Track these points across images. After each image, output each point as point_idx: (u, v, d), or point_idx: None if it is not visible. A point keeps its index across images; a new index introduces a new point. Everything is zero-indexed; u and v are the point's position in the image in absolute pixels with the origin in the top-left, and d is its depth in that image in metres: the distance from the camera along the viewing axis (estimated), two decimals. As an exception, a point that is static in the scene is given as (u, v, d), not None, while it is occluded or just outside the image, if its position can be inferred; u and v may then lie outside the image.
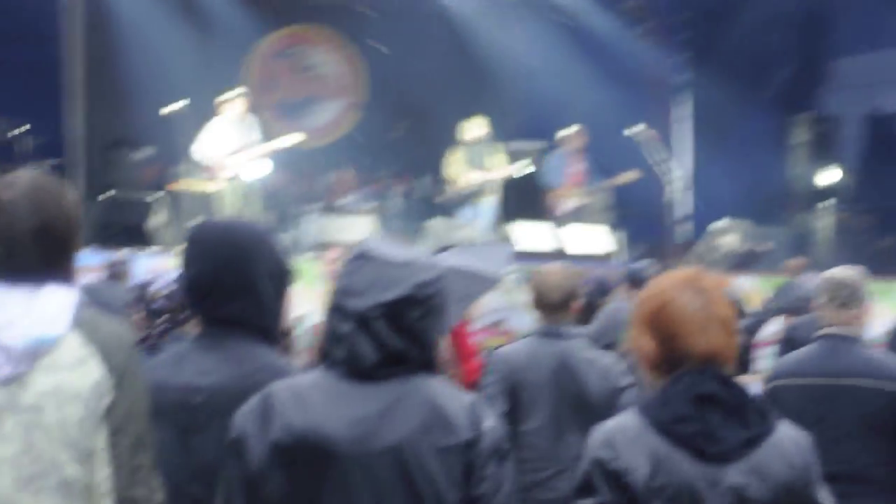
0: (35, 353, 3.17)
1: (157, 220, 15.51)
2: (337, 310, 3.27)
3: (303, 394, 3.23)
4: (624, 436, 3.38)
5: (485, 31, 20.00)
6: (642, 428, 3.38)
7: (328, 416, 3.19)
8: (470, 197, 16.53)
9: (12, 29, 17.77)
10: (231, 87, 16.42)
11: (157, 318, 6.08)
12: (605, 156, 17.35)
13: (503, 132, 18.44)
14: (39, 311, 3.20)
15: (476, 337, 10.13)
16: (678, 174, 16.30)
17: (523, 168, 16.52)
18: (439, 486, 3.16)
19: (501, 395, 6.48)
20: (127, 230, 15.27)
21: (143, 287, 6.52)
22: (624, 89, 18.99)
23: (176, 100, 15.88)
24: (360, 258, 3.30)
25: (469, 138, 16.49)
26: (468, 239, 15.24)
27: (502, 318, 14.31)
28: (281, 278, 3.80)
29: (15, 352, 3.16)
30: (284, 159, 17.12)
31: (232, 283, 3.70)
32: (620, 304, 9.70)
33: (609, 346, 9.34)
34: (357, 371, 3.23)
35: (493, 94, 19.85)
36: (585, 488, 3.37)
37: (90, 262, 12.84)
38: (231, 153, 15.63)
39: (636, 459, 3.34)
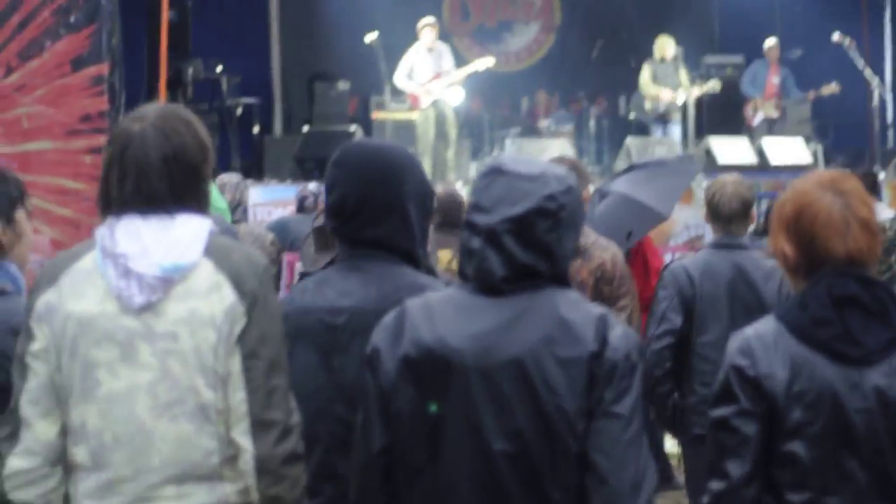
0: (168, 281, 3.22)
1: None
2: (468, 225, 3.27)
3: (434, 308, 3.25)
4: (761, 342, 3.32)
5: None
6: (780, 333, 3.32)
7: (454, 330, 3.20)
8: (664, 114, 16.42)
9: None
10: (424, 16, 16.52)
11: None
12: (805, 66, 17.02)
13: (700, 46, 18.20)
14: (172, 240, 3.24)
15: (672, 254, 10.05)
16: (876, 81, 15.83)
17: (712, 87, 16.31)
18: (561, 397, 3.13)
19: (675, 310, 6.41)
20: (323, 163, 15.48)
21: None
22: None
23: (372, 31, 16.03)
24: (493, 173, 3.29)
25: (658, 57, 16.40)
26: (666, 155, 15.09)
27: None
28: (425, 201, 3.80)
29: (148, 280, 3.21)
30: (482, 84, 17.19)
31: (379, 205, 3.72)
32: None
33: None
34: (487, 286, 3.23)
35: (688, 7, 19.54)
36: (725, 396, 3.32)
37: (287, 196, 13.05)
38: (428, 80, 15.75)
39: (774, 366, 3.28)
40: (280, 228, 8.91)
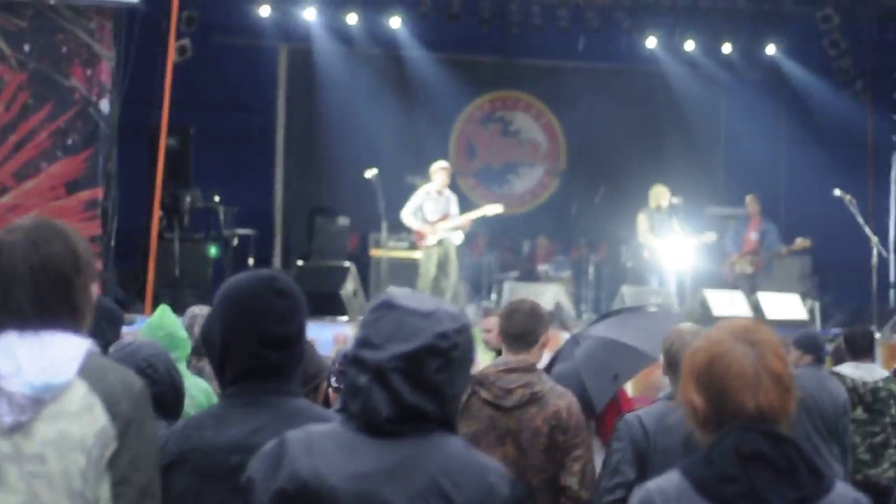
0: (38, 401, 3.12)
1: (347, 288, 15.64)
2: (355, 361, 3.15)
3: (315, 443, 3.13)
4: (663, 496, 3.17)
5: (689, 94, 19.84)
6: (684, 489, 3.17)
7: (333, 467, 3.08)
8: (659, 264, 16.39)
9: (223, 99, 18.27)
10: (433, 156, 16.64)
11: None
12: (801, 219, 17.03)
13: (705, 196, 18.23)
14: (47, 360, 3.15)
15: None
16: (875, 240, 15.77)
17: (708, 238, 16.30)
18: None
19: (629, 462, 6.24)
20: (319, 298, 15.37)
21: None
22: (826, 151, 18.58)
23: (377, 167, 16.12)
24: (383, 307, 3.18)
25: (653, 206, 16.42)
26: (658, 306, 14.99)
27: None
28: None
29: (18, 400, 3.11)
30: (485, 225, 17.21)
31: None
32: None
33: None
34: (371, 425, 3.10)
35: (694, 158, 19.61)
36: (625, 553, 3.17)
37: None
38: (434, 221, 15.80)
39: (677, 522, 3.13)
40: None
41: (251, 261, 16.98)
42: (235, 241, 16.55)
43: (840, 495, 3.20)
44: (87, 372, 3.17)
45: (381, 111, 19.29)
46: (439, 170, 16.18)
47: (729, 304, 15.35)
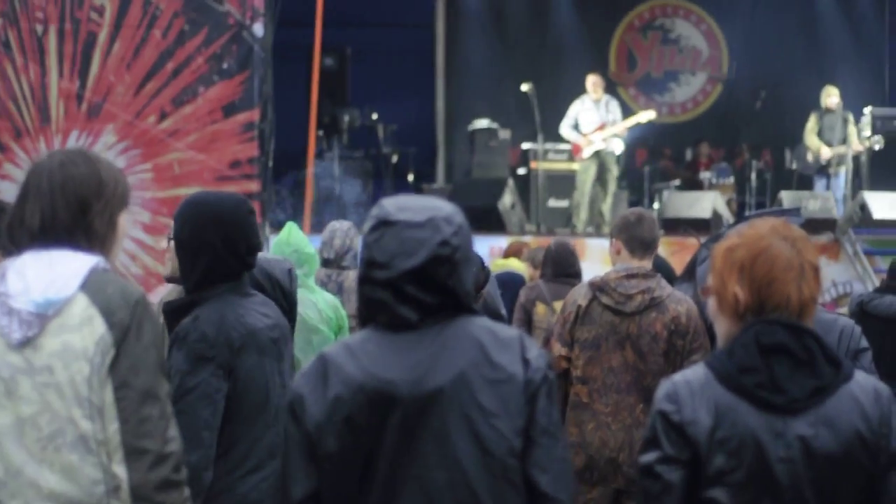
0: (42, 317, 3.34)
1: (505, 202, 15.73)
2: (368, 280, 3.30)
3: (355, 349, 3.30)
4: (688, 388, 3.27)
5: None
6: (708, 380, 3.26)
7: (385, 364, 3.25)
8: (826, 167, 16.15)
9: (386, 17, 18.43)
10: (593, 67, 16.62)
11: None
12: None
13: (869, 98, 17.87)
14: (52, 277, 3.36)
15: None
16: None
17: (876, 142, 15.97)
18: (496, 417, 3.21)
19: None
20: (477, 212, 15.52)
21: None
22: None
23: (536, 81, 16.16)
24: (381, 226, 3.32)
25: (824, 107, 16.17)
26: (819, 210, 14.82)
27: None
28: None
29: (24, 316, 3.34)
30: (646, 135, 17.16)
31: None
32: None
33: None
34: (403, 327, 3.29)
35: (859, 58, 19.21)
36: (651, 442, 3.27)
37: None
38: (591, 131, 15.81)
39: (698, 412, 3.23)
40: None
41: (411, 177, 17.19)
42: (395, 159, 16.74)
43: (860, 384, 3.26)
44: (88, 286, 3.38)
45: (539, 24, 19.29)
46: (598, 77, 16.23)
47: (889, 207, 15.06)
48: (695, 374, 3.31)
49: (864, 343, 5.99)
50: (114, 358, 3.35)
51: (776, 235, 3.35)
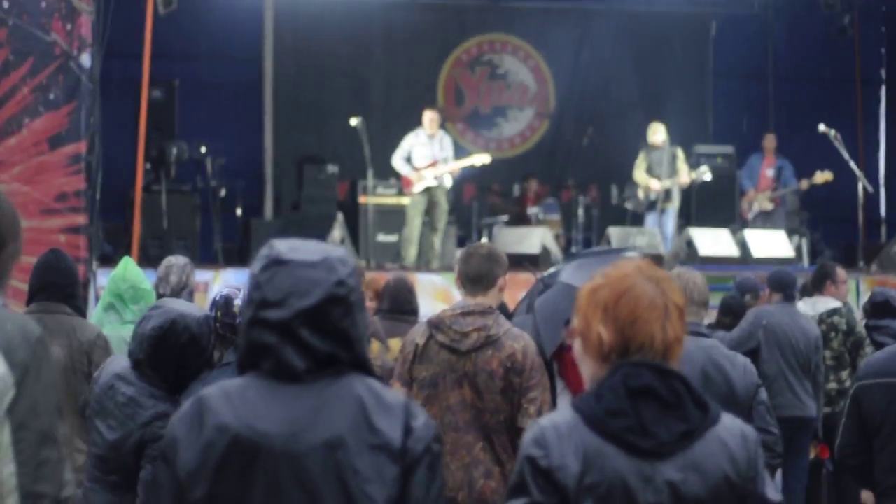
0: None
1: (334, 236, 15.69)
2: (257, 322, 3.21)
3: (234, 396, 3.21)
4: (556, 432, 3.23)
5: (677, 32, 19.86)
6: (576, 424, 3.24)
7: (261, 414, 3.16)
8: (654, 203, 16.41)
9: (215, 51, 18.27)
10: (421, 101, 16.65)
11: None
12: (796, 156, 17.06)
13: (693, 136, 18.23)
14: None
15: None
16: (860, 174, 15.76)
17: (703, 174, 16.30)
18: (370, 483, 3.12)
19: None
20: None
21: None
22: (814, 87, 18.56)
23: (365, 115, 16.15)
24: (273, 265, 3.24)
25: (650, 144, 16.46)
26: (647, 246, 15.04)
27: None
28: None
29: None
30: (474, 170, 17.23)
31: None
32: (764, 308, 9.67)
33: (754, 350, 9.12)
34: (288, 376, 3.20)
35: (683, 97, 19.58)
36: (518, 488, 3.24)
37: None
38: (424, 167, 15.83)
39: (566, 457, 3.20)
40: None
41: (239, 211, 17.02)
42: (223, 192, 16.56)
43: (727, 427, 3.27)
44: None
45: (367, 59, 19.30)
46: (432, 112, 16.27)
47: (714, 243, 15.37)
48: (563, 417, 3.28)
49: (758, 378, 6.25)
50: (13, 398, 3.21)
51: (640, 275, 3.35)
